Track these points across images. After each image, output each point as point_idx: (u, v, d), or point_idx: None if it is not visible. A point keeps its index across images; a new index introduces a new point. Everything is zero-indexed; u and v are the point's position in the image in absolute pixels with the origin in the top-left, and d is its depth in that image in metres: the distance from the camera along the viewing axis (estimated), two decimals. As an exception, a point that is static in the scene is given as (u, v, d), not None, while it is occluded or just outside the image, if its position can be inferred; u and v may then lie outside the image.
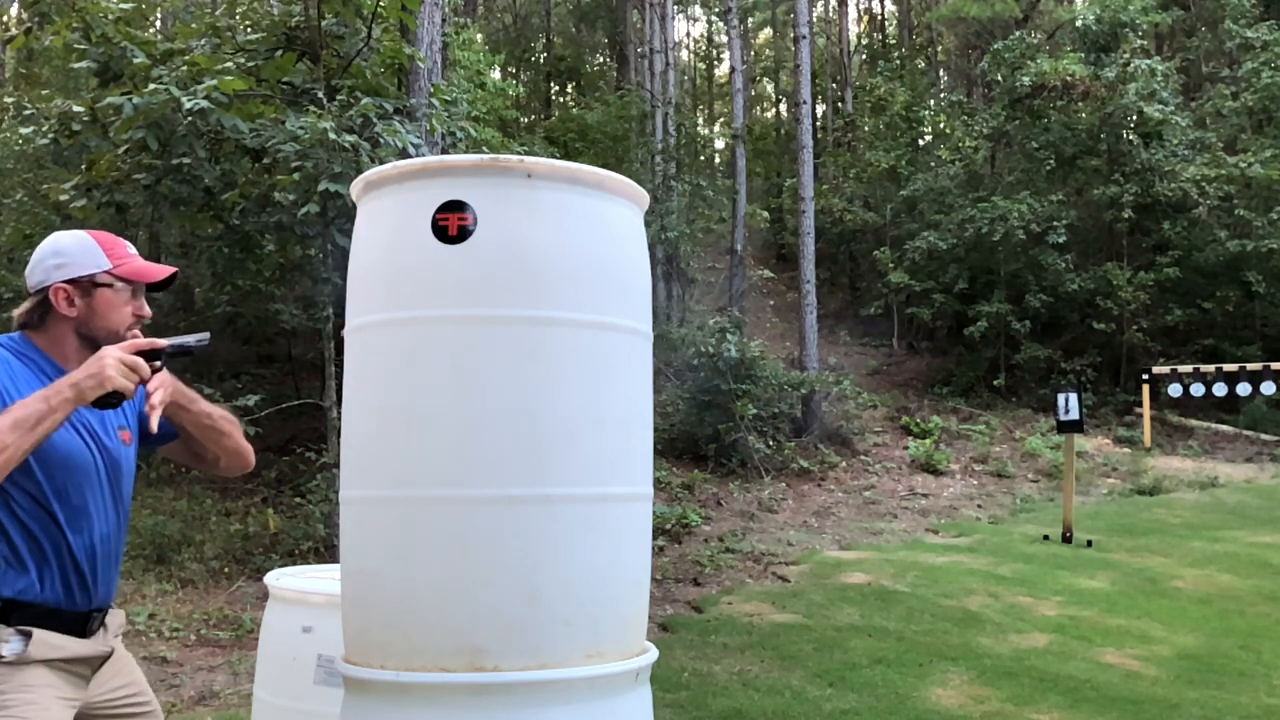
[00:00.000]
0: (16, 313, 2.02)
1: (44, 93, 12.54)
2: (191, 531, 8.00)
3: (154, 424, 1.90)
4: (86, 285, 1.97)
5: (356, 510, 2.05)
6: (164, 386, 1.92)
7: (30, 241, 8.07)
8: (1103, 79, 15.77)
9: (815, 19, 22.74)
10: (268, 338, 12.12)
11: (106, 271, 1.98)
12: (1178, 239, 15.64)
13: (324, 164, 6.88)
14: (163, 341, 1.93)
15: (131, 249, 2.05)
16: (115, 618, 2.12)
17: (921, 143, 20.62)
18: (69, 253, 1.99)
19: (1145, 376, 13.45)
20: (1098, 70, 15.94)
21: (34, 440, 1.76)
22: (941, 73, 26.98)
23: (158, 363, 1.91)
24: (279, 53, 7.98)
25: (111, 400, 1.83)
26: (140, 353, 1.87)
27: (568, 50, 27.06)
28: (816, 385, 12.78)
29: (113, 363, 1.81)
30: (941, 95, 23.65)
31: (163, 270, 2.05)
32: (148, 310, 2.04)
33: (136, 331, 2.01)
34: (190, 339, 2.01)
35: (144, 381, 1.87)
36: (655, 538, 5.26)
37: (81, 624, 1.98)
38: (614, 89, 21.43)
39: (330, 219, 7.47)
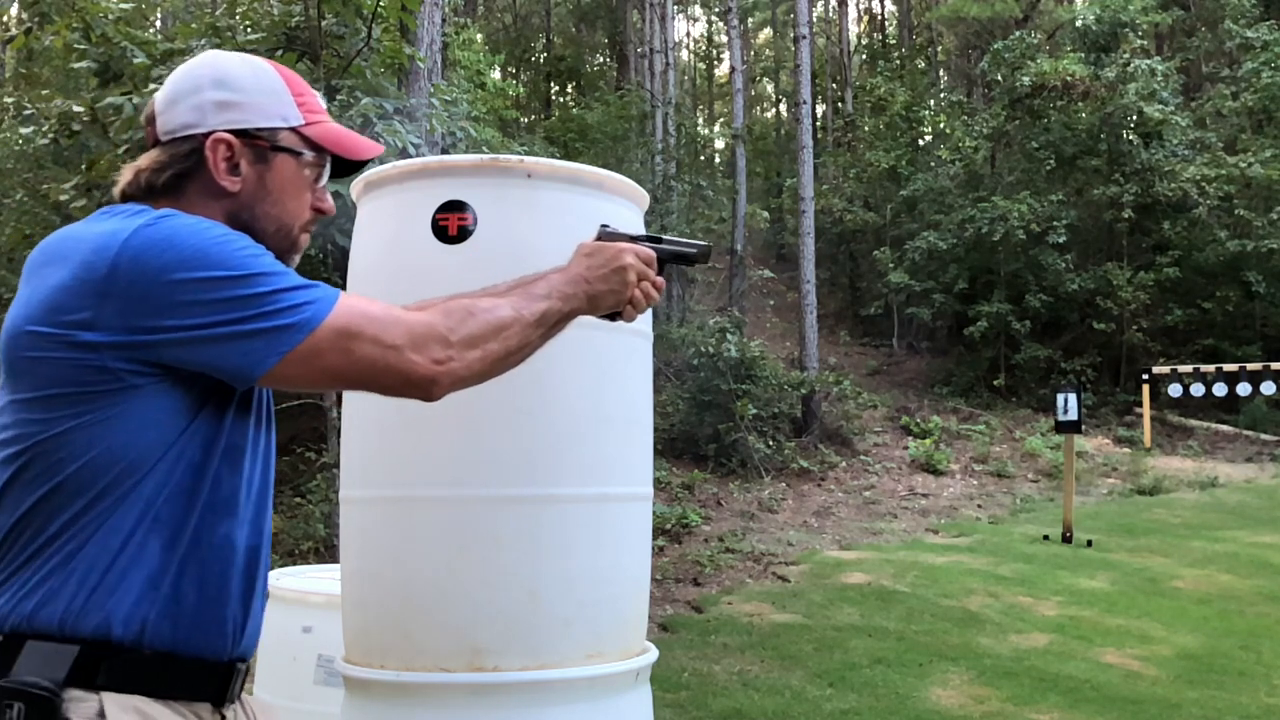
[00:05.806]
0: (126, 170, 1.20)
1: (44, 93, 12.51)
2: (191, 531, 7.99)
3: None
4: (264, 146, 1.21)
5: (356, 510, 2.05)
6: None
7: (30, 242, 8.05)
8: (1103, 79, 15.77)
9: (815, 19, 22.72)
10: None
11: (295, 130, 1.23)
12: (1178, 239, 15.64)
13: (324, 164, 6.88)
14: (664, 245, 1.42)
15: (322, 100, 1.30)
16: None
17: (921, 143, 20.61)
18: (243, 86, 1.20)
19: (1145, 376, 13.44)
20: (1098, 70, 15.94)
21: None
22: (941, 73, 26.95)
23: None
24: (279, 53, 7.97)
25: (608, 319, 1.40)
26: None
27: (568, 50, 27.04)
28: (816, 385, 12.78)
29: (636, 278, 1.31)
30: (941, 95, 23.62)
31: (366, 145, 1.31)
32: (330, 203, 1.34)
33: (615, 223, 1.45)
34: (691, 245, 1.48)
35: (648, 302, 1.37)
36: (655, 538, 5.25)
37: (220, 685, 1.17)
38: (614, 89, 21.41)
39: (330, 219, 7.47)
